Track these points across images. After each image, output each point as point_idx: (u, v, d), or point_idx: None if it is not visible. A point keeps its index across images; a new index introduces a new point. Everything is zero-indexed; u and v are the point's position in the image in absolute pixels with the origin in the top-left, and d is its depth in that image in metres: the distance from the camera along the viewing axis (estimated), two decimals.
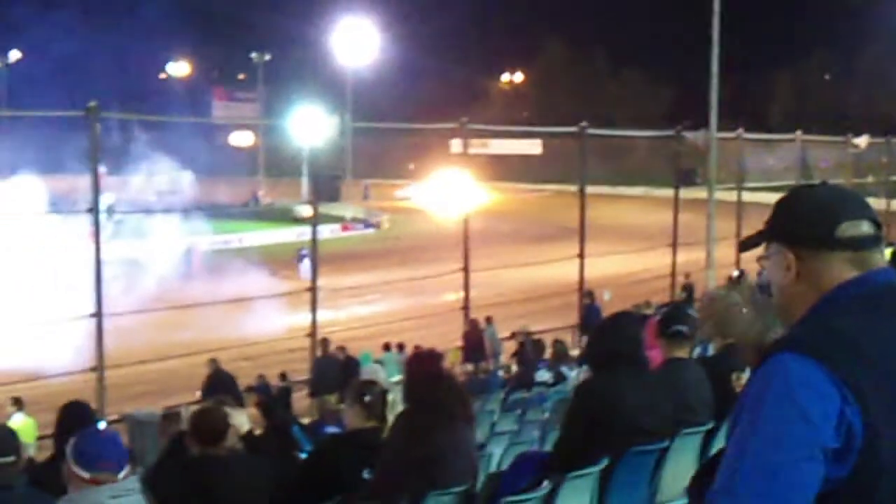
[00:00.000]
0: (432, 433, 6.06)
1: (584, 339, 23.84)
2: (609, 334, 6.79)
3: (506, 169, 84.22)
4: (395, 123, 75.95)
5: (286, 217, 63.65)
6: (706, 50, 30.00)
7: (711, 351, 8.55)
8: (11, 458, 5.77)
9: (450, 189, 73.62)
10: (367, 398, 6.69)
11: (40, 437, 16.39)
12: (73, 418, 7.25)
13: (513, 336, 25.07)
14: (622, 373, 6.43)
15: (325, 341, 23.40)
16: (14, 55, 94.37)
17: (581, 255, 27.97)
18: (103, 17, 76.53)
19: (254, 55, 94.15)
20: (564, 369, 18.57)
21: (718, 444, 6.63)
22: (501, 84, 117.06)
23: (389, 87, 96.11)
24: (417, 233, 61.91)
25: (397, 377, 20.84)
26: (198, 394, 20.02)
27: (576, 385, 9.15)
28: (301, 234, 53.69)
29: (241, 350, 25.21)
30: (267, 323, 29.79)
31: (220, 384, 19.45)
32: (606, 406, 6.34)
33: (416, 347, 19.35)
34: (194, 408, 10.62)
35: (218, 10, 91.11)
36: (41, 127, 52.53)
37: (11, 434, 6.18)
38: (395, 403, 6.78)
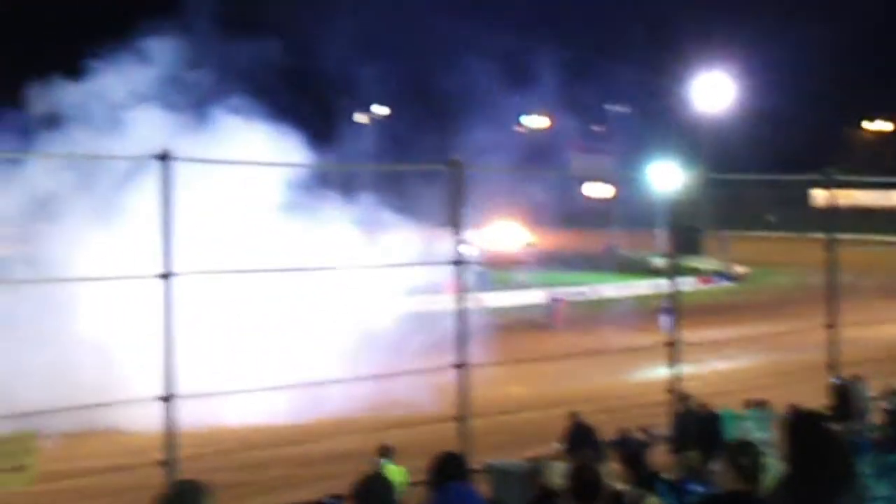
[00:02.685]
0: (817, 500, 5.78)
1: None
2: None
3: (873, 220, 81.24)
4: (753, 175, 74.40)
5: (641, 269, 63.52)
6: None
7: None
8: None
9: (502, 234, 71.96)
10: (741, 460, 6.48)
11: (409, 484, 16.76)
12: (447, 468, 7.33)
13: (884, 395, 23.96)
14: None
15: (686, 396, 22.94)
16: (379, 110, 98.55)
17: None
18: (452, 73, 78.76)
19: (610, 107, 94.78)
20: None
21: None
22: (865, 131, 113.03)
23: (746, 137, 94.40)
24: (778, 286, 60.47)
25: (759, 435, 20.23)
26: (556, 445, 20.05)
27: None
28: (656, 286, 53.44)
29: (602, 402, 25.14)
30: (625, 376, 29.61)
31: (580, 437, 19.46)
32: None
33: (794, 406, 18.59)
34: (552, 461, 10.62)
35: (573, 63, 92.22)
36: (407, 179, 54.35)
37: (388, 485, 6.30)
38: (765, 465, 6.54)
